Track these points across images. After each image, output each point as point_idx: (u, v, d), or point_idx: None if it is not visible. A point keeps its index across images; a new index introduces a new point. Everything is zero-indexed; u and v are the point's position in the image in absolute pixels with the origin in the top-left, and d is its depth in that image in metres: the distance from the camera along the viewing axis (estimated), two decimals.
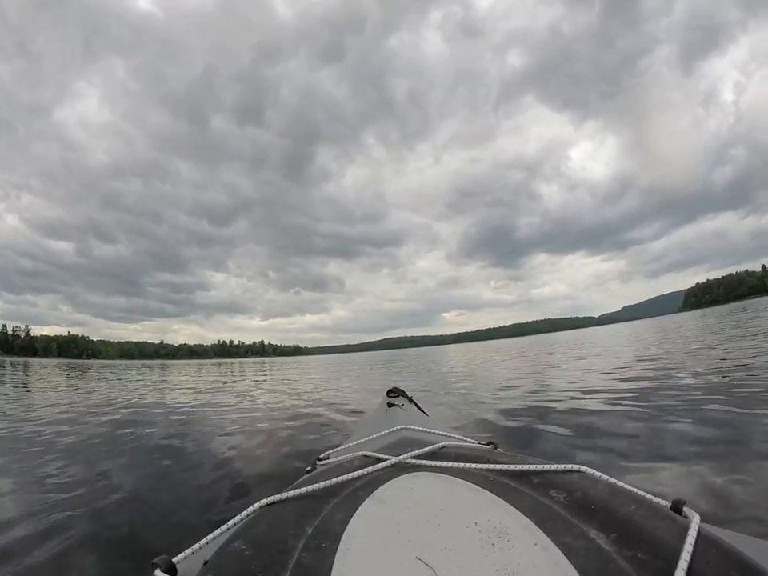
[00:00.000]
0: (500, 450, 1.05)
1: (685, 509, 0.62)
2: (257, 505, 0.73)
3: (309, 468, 1.14)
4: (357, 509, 0.73)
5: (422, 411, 2.23)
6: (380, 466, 0.88)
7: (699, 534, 0.53)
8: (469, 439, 1.17)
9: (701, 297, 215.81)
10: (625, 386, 5.71)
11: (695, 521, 0.56)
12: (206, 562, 0.59)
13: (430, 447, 0.96)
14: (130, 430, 4.89)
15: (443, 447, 0.97)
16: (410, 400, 2.33)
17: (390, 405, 2.06)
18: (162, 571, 0.60)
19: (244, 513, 0.72)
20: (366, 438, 1.28)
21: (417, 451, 0.93)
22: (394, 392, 2.45)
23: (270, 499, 0.75)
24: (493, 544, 0.59)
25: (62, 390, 11.68)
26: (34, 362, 77.16)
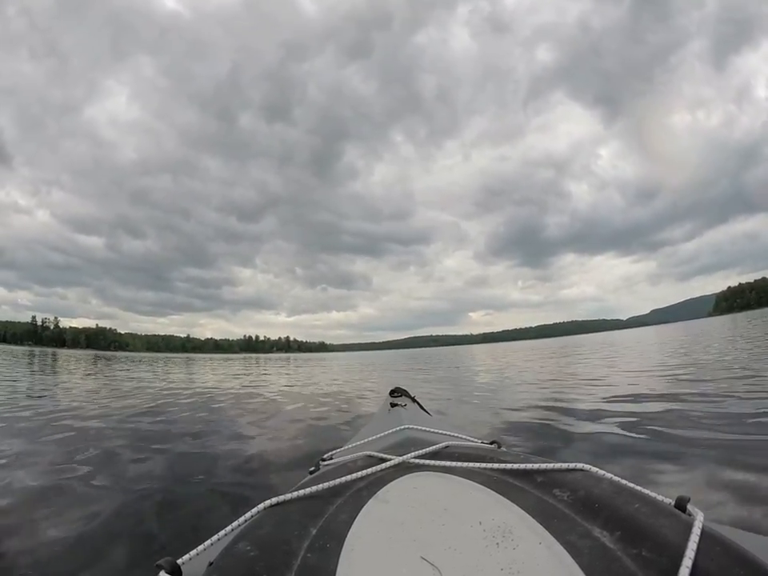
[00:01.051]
0: (503, 449, 1.05)
1: (689, 506, 0.62)
2: (261, 506, 0.74)
3: (312, 468, 1.14)
4: (361, 509, 0.73)
5: (425, 411, 2.22)
6: (383, 466, 0.88)
7: (703, 531, 0.53)
8: (472, 438, 1.18)
9: (732, 301, 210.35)
10: (640, 390, 5.68)
11: (699, 518, 0.56)
12: (210, 563, 0.59)
13: (434, 447, 0.96)
14: (132, 426, 4.85)
15: (447, 447, 0.97)
16: (413, 400, 2.33)
17: (393, 405, 2.06)
18: (166, 573, 0.60)
19: (248, 514, 0.73)
20: (370, 438, 1.28)
21: (420, 451, 0.93)
22: (396, 392, 2.44)
23: (275, 500, 0.75)
24: (497, 543, 0.60)
25: (82, 380, 11.40)
26: (63, 352, 78.95)
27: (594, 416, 4.26)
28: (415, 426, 1.31)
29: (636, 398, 5.15)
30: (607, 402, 5.05)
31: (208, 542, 0.69)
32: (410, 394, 2.43)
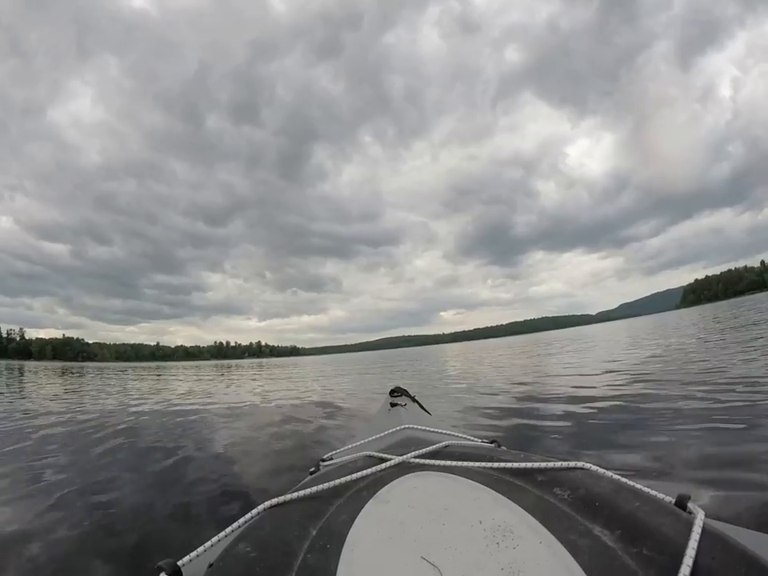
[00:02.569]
0: (503, 448, 1.05)
1: (689, 504, 0.62)
2: (261, 507, 0.73)
3: (312, 469, 1.14)
4: (361, 509, 0.73)
5: (425, 410, 2.22)
6: (384, 465, 0.88)
7: (704, 529, 0.53)
8: (472, 438, 1.17)
9: (699, 293, 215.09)
10: (624, 382, 5.73)
11: (700, 516, 0.56)
12: (210, 565, 0.59)
13: (434, 446, 0.95)
14: (130, 434, 4.88)
15: (447, 446, 0.97)
16: (413, 399, 2.32)
17: (393, 404, 2.05)
18: (167, 574, 0.60)
19: (248, 515, 0.72)
20: (369, 438, 1.28)
21: (420, 450, 0.93)
22: (396, 391, 2.43)
23: (275, 501, 0.74)
24: (498, 543, 0.59)
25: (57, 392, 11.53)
26: (29, 364, 76.54)
27: (583, 410, 4.21)
28: (415, 426, 1.31)
29: (619, 387, 5.18)
30: (589, 394, 4.91)
31: (208, 544, 0.68)
32: (410, 393, 2.42)
